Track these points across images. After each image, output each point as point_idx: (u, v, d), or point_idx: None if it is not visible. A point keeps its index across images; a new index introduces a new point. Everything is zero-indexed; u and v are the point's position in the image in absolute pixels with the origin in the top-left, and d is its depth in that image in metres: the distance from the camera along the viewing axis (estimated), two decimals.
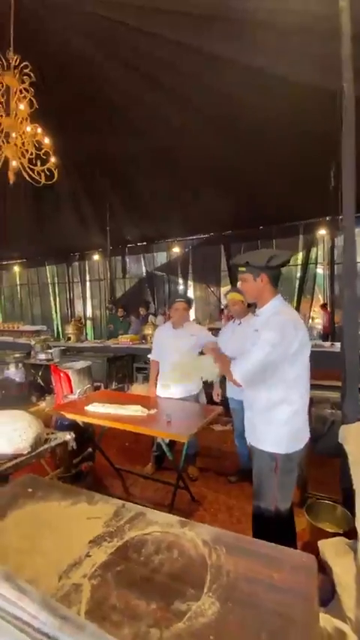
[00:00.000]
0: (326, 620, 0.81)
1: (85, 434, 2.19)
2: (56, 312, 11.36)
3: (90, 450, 2.21)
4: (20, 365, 4.21)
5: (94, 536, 0.92)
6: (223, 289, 8.87)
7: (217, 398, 2.48)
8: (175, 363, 2.14)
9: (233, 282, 8.03)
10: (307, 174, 4.95)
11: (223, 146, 4.70)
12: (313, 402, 3.16)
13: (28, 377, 4.19)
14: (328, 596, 1.13)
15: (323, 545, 1.20)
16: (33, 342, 4.66)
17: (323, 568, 1.18)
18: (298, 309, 7.49)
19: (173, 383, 2.36)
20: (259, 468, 1.45)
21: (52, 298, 11.43)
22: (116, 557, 0.86)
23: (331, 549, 1.16)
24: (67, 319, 10.17)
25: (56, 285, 11.31)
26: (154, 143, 4.92)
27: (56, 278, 11.28)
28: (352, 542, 1.21)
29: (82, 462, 2.10)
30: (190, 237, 9.27)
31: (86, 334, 8.73)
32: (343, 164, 1.71)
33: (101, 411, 2.03)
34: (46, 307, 11.58)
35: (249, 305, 2.37)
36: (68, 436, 1.72)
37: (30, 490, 1.16)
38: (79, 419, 2.02)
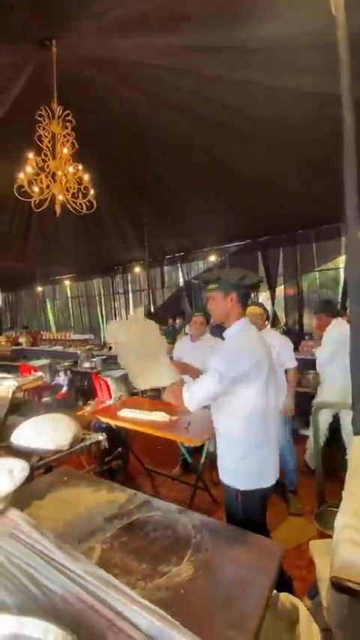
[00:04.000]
0: (286, 597, 0.96)
1: (118, 436, 2.48)
2: (103, 321, 12.17)
3: (120, 449, 2.51)
4: (68, 372, 4.72)
5: (109, 515, 1.18)
6: (263, 295, 8.83)
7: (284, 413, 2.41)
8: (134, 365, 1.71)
9: (271, 287, 8.02)
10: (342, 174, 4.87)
11: (256, 157, 4.83)
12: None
13: (75, 383, 4.67)
14: (316, 590, 1.26)
15: (313, 544, 1.32)
16: (79, 352, 5.17)
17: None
18: (344, 311, 7.22)
19: None
20: (227, 499, 1.46)
21: (98, 309, 12.29)
22: (123, 531, 1.10)
23: (319, 548, 1.28)
24: None
25: (102, 296, 12.14)
26: (186, 164, 5.22)
27: (102, 290, 12.11)
28: None
29: (112, 459, 2.40)
30: (226, 245, 9.41)
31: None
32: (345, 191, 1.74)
33: (130, 416, 2.30)
34: (94, 317, 12.46)
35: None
36: (101, 437, 2.00)
37: (65, 479, 1.46)
38: (112, 422, 2.32)
